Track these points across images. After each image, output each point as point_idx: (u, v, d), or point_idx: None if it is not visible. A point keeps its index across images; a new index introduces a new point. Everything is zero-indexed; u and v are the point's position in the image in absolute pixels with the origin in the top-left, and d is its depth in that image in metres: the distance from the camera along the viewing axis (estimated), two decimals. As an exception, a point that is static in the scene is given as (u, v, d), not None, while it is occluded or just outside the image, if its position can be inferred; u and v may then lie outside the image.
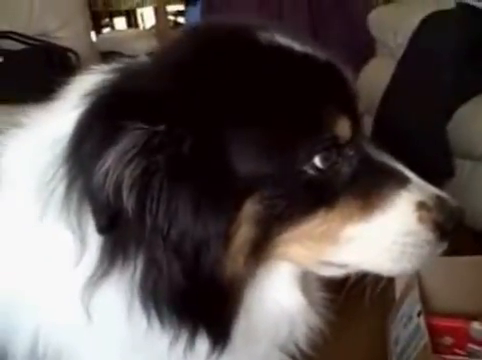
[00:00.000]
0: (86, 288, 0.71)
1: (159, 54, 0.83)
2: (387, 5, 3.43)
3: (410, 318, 1.65)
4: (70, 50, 2.81)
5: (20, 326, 0.75)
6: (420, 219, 0.76)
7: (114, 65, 0.78)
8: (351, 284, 0.82)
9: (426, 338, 1.50)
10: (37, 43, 2.82)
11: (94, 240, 0.71)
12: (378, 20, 3.03)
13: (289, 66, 0.75)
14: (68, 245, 0.71)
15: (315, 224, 0.74)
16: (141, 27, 5.69)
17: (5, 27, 2.84)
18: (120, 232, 0.69)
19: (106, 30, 5.44)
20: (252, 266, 0.75)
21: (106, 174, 0.65)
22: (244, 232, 0.72)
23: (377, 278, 0.80)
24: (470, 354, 1.65)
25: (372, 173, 0.77)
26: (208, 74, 0.73)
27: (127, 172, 0.66)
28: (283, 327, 0.83)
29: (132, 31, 4.91)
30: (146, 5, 5.31)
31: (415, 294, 1.67)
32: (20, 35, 2.80)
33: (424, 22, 2.39)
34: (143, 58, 0.81)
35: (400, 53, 2.46)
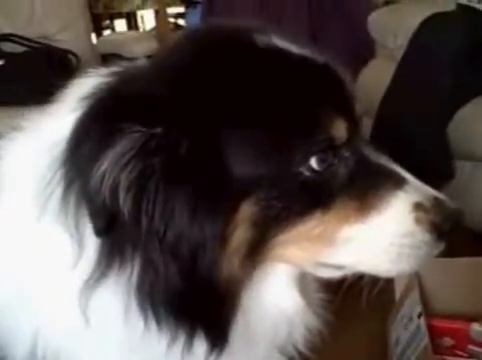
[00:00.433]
0: (83, 290, 0.71)
1: (157, 57, 0.83)
2: (387, 7, 3.43)
3: (410, 319, 1.65)
4: (71, 52, 2.82)
5: (19, 329, 0.75)
6: (417, 220, 0.76)
7: (112, 68, 0.78)
8: (348, 285, 0.82)
9: (426, 339, 1.50)
10: (38, 45, 2.83)
11: (91, 242, 0.71)
12: (378, 22, 3.03)
13: (286, 68, 0.76)
14: (66, 247, 0.71)
15: (312, 225, 0.75)
16: (141, 29, 5.70)
17: (6, 30, 2.86)
18: (117, 234, 0.70)
19: (106, 32, 5.45)
20: (249, 268, 0.75)
21: (103, 177, 0.65)
22: (240, 234, 0.72)
23: (375, 279, 0.80)
24: (470, 355, 1.65)
25: (369, 174, 0.77)
26: (205, 77, 0.74)
27: (124, 174, 0.66)
28: (281, 329, 0.83)
29: (133, 33, 4.91)
30: (147, 7, 5.32)
31: (415, 295, 1.67)
32: (21, 38, 2.81)
33: (424, 24, 2.38)
34: (141, 61, 0.82)
35: (400, 55, 2.46)
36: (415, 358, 1.53)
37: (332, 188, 0.75)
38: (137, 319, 0.72)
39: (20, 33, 2.83)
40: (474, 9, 2.37)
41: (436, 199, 0.78)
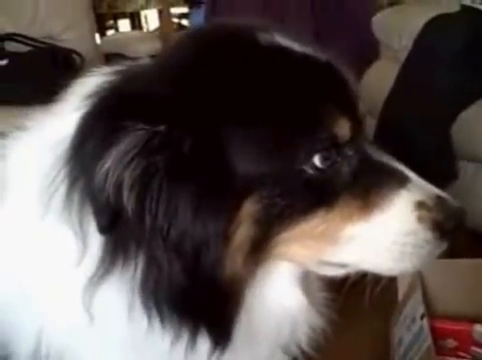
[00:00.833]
0: (87, 288, 0.71)
1: (160, 56, 0.83)
2: (391, 8, 3.42)
3: (413, 320, 1.64)
4: (75, 52, 2.82)
5: (23, 326, 0.75)
6: (419, 219, 0.76)
7: (115, 67, 0.79)
8: (351, 284, 0.82)
9: (429, 341, 1.50)
10: (42, 45, 2.83)
11: (95, 240, 0.71)
12: (382, 23, 3.03)
13: (289, 67, 0.76)
14: (70, 245, 0.72)
15: (315, 223, 0.75)
16: (145, 29, 5.71)
17: (10, 29, 2.86)
18: (121, 232, 0.70)
19: (110, 32, 5.46)
20: (252, 266, 0.75)
21: (107, 174, 0.66)
22: (244, 231, 0.72)
23: (377, 278, 0.80)
24: (473, 357, 1.64)
25: (372, 173, 0.77)
26: (208, 75, 0.74)
27: (127, 172, 0.66)
28: (285, 327, 0.83)
29: (136, 33, 4.92)
30: (150, 7, 5.32)
31: (418, 296, 1.67)
32: (25, 37, 2.81)
33: (428, 25, 2.38)
34: (144, 60, 0.82)
35: (404, 56, 2.46)
36: (418, 359, 1.52)
37: (335, 186, 0.75)
38: (141, 317, 0.72)
39: (24, 33, 2.84)
40: (478, 10, 2.36)
41: (439, 198, 0.78)
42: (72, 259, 0.71)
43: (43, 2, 3.04)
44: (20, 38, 2.80)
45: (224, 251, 0.71)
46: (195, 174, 0.70)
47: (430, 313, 1.62)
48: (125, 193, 0.67)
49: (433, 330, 1.55)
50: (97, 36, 3.48)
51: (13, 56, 2.70)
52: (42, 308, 0.74)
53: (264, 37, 0.77)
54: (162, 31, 4.89)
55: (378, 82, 2.72)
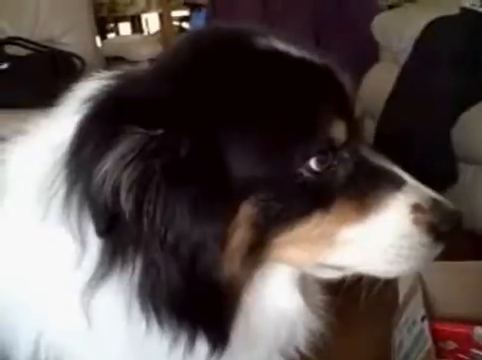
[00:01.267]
0: (86, 291, 0.71)
1: (158, 60, 0.84)
2: (391, 10, 3.43)
3: (414, 323, 1.64)
4: (75, 55, 2.82)
5: (22, 329, 0.75)
6: (415, 221, 0.77)
7: (114, 72, 0.79)
8: (348, 286, 0.82)
9: (430, 343, 1.50)
10: (43, 49, 2.84)
11: (94, 243, 0.71)
12: (382, 25, 3.03)
13: (285, 71, 0.76)
14: (68, 248, 0.72)
15: (311, 226, 0.75)
16: (146, 32, 5.72)
17: (11, 33, 2.86)
18: (119, 235, 0.70)
19: (111, 35, 5.46)
20: (249, 268, 0.76)
21: (105, 177, 0.66)
22: (240, 234, 0.72)
23: (374, 280, 0.80)
24: (473, 359, 1.64)
25: (368, 175, 0.78)
26: (205, 79, 0.74)
27: (125, 175, 0.67)
28: (282, 330, 0.83)
29: (137, 37, 4.93)
30: (151, 11, 5.34)
31: (419, 299, 1.67)
32: (26, 41, 2.81)
33: (428, 27, 2.38)
34: (143, 65, 0.82)
35: (404, 58, 2.46)
36: (418, 361, 1.52)
37: (331, 189, 0.75)
38: (139, 319, 0.72)
39: (25, 36, 2.84)
40: (478, 13, 2.37)
41: (434, 200, 0.78)
42: (71, 262, 0.72)
43: (44, 6, 3.04)
44: (21, 42, 2.80)
45: (221, 254, 0.72)
46: (192, 177, 0.70)
47: (431, 315, 1.63)
48: (123, 196, 0.67)
49: (433, 332, 1.55)
50: (98, 39, 3.48)
51: (14, 60, 2.70)
52: (41, 311, 0.75)
53: (261, 41, 0.77)
54: (163, 34, 4.91)
55: (378, 84, 2.72)
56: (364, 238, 0.77)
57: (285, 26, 3.45)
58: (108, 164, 0.66)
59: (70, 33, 3.09)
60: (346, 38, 3.43)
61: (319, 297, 0.92)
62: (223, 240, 0.71)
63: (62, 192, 0.72)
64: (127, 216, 0.68)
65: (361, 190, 0.77)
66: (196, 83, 0.74)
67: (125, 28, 5.67)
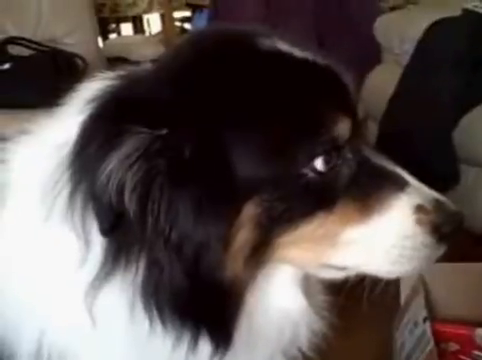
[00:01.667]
0: (89, 290, 0.72)
1: (162, 60, 0.84)
2: (393, 12, 3.43)
3: (416, 324, 1.64)
4: (77, 56, 2.82)
5: (25, 328, 0.76)
6: (418, 222, 0.77)
7: (118, 72, 0.79)
8: (351, 287, 0.82)
9: (432, 344, 1.50)
10: (45, 49, 2.84)
11: (98, 242, 0.71)
12: (384, 27, 3.03)
13: (288, 71, 0.76)
14: (72, 248, 0.72)
15: (314, 227, 0.75)
16: (147, 33, 5.72)
17: (13, 33, 2.87)
18: (123, 234, 0.70)
19: (113, 36, 5.47)
20: (252, 268, 0.76)
21: (109, 177, 0.66)
22: (244, 234, 0.72)
23: (376, 280, 0.80)
24: (475, 361, 1.64)
25: (371, 176, 0.78)
26: (209, 79, 0.74)
27: (129, 175, 0.67)
28: (285, 330, 0.83)
29: (139, 37, 4.93)
30: (153, 11, 5.34)
31: (420, 300, 1.67)
32: (28, 41, 2.81)
33: (430, 29, 2.39)
34: (146, 65, 0.82)
35: (406, 60, 2.46)
36: (420, 363, 1.52)
37: (335, 190, 0.75)
38: (142, 319, 0.72)
39: (27, 36, 2.84)
40: (480, 14, 2.37)
41: (437, 201, 0.79)
42: (74, 261, 0.72)
43: (46, 6, 3.04)
44: (23, 42, 2.80)
45: (225, 254, 0.72)
46: (196, 177, 0.70)
47: (433, 317, 1.63)
48: (127, 196, 0.67)
49: (435, 334, 1.55)
50: (100, 40, 3.48)
51: (16, 60, 2.71)
52: (44, 310, 0.75)
53: (264, 42, 0.77)
54: (164, 35, 4.91)
55: (380, 86, 2.72)
56: (367, 238, 0.77)
57: (287, 27, 3.45)
58: (112, 164, 0.66)
59: (72, 33, 3.10)
60: (348, 39, 3.44)
61: (321, 298, 0.92)
62: (227, 240, 0.71)
63: (66, 192, 0.72)
64: (131, 216, 0.68)
65: (364, 191, 0.77)
66: (200, 83, 0.74)
67: (127, 29, 5.67)
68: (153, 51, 2.98)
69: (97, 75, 0.80)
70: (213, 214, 0.70)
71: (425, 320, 1.58)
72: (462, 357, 1.65)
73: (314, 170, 0.73)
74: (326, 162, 0.74)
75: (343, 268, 0.80)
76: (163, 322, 0.72)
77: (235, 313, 0.75)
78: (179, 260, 0.70)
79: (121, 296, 0.72)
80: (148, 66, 0.82)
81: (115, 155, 0.66)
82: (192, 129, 0.70)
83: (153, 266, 0.70)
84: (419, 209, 0.77)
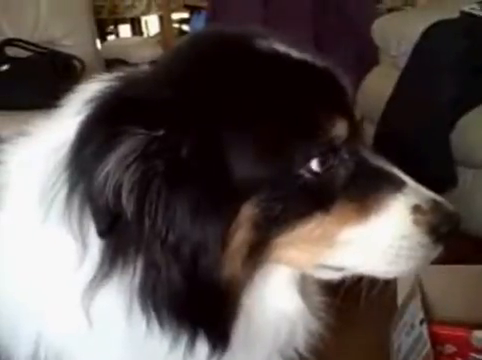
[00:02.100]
0: (86, 291, 0.72)
1: (159, 62, 0.84)
2: (390, 14, 3.43)
3: (412, 326, 1.64)
4: (75, 57, 2.82)
5: (22, 330, 0.76)
6: (415, 222, 0.77)
7: (115, 73, 0.79)
8: (348, 287, 0.82)
9: (428, 346, 1.50)
10: (43, 50, 2.83)
11: (95, 244, 0.71)
12: (382, 29, 3.03)
13: (286, 72, 0.76)
14: (70, 249, 0.72)
15: (311, 227, 0.75)
16: (146, 35, 5.72)
17: (11, 34, 2.86)
18: (120, 236, 0.70)
19: (111, 38, 5.47)
20: (250, 269, 0.76)
21: (106, 178, 0.66)
22: (241, 235, 0.72)
23: (374, 281, 0.80)
24: (472, 363, 1.65)
25: (368, 177, 0.78)
26: (206, 80, 0.75)
27: (126, 176, 0.67)
28: (282, 330, 0.83)
29: (137, 39, 4.93)
30: (151, 13, 5.34)
31: (417, 302, 1.67)
32: (26, 42, 2.81)
33: (428, 31, 2.39)
34: (144, 66, 0.83)
35: (403, 62, 2.46)
36: (417, 364, 1.53)
37: (332, 190, 0.75)
38: (139, 320, 0.72)
39: (25, 38, 2.84)
40: (477, 17, 2.37)
41: (434, 201, 0.79)
42: (72, 263, 0.72)
43: (44, 8, 3.04)
44: (21, 43, 2.80)
45: (222, 255, 0.72)
46: (193, 178, 0.70)
47: (430, 319, 1.63)
48: (124, 197, 0.67)
49: (432, 335, 1.56)
50: (98, 41, 3.48)
51: (14, 61, 2.70)
52: (41, 311, 0.75)
53: (261, 43, 0.78)
54: (163, 37, 4.91)
55: (377, 88, 2.72)
56: (365, 239, 0.77)
57: (285, 29, 3.45)
58: (110, 165, 0.66)
59: (70, 35, 3.09)
60: (346, 41, 3.44)
61: (318, 298, 0.92)
62: (224, 241, 0.71)
63: (63, 193, 0.72)
64: (128, 217, 0.68)
65: (361, 191, 0.77)
66: (198, 84, 0.74)
67: (125, 30, 5.67)
68: (151, 53, 2.98)
69: (95, 77, 0.80)
70: (210, 215, 0.70)
71: (422, 322, 1.59)
72: (459, 359, 1.65)
73: (311, 171, 0.73)
74: (323, 163, 0.74)
75: (340, 269, 0.80)
76: (160, 323, 0.72)
77: (232, 313, 0.75)
78: (176, 261, 0.70)
79: (118, 297, 0.72)
80: (146, 68, 0.83)
81: (112, 156, 0.66)
82: (189, 130, 0.70)
83: (150, 267, 0.70)
84: (416, 209, 0.77)
